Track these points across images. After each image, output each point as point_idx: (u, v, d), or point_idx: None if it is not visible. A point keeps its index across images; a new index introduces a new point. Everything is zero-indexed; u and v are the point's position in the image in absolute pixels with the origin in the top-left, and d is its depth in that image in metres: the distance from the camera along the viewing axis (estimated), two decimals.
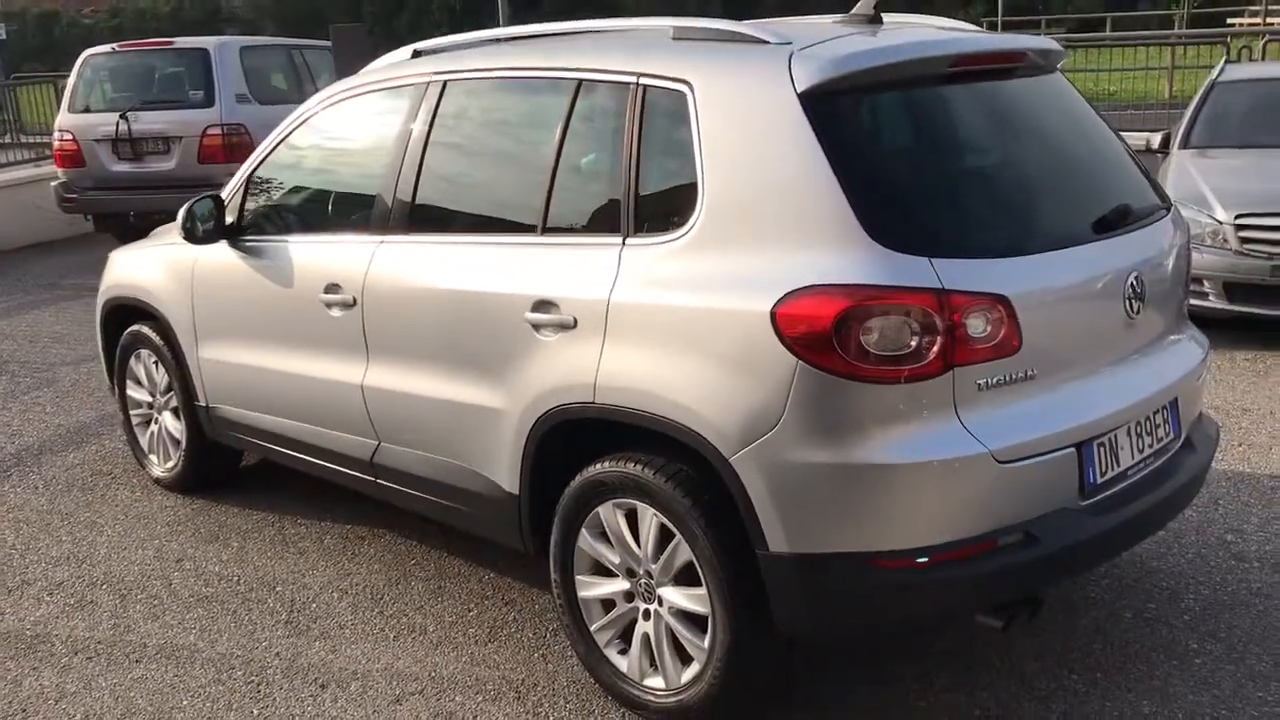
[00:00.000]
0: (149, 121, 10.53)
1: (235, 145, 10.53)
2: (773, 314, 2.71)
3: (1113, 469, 2.99)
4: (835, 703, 3.26)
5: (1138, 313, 3.09)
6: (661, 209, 3.07)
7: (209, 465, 4.93)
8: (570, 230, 3.31)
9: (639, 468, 3.04)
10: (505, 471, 3.42)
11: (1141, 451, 3.10)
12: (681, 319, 2.92)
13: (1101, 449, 2.95)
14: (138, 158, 10.63)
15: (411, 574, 4.16)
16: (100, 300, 5.20)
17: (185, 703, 3.40)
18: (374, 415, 3.86)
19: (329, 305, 3.90)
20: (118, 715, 3.35)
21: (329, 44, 13.01)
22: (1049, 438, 2.81)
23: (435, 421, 3.64)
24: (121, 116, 10.49)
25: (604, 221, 3.20)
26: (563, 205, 3.33)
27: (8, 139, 14.65)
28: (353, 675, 3.50)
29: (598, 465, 3.15)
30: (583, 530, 3.25)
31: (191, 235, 4.29)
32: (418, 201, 3.70)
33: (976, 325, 2.70)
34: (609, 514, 3.16)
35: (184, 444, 4.86)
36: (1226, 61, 9.32)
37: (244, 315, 4.34)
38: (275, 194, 4.36)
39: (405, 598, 3.98)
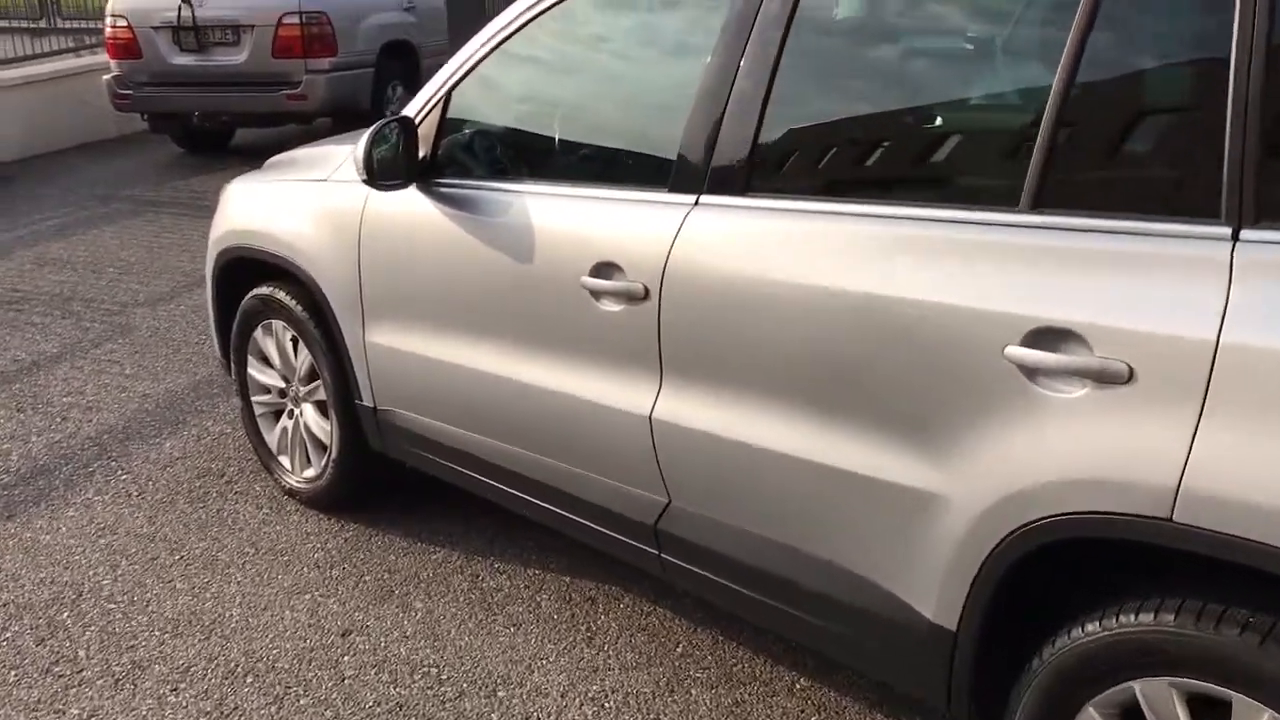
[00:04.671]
0: (216, 7, 9.09)
1: (315, 37, 9.14)
2: None
3: None
4: None
5: None
6: None
7: (366, 480, 3.66)
8: (1096, 206, 1.95)
9: (1244, 634, 1.74)
10: (930, 592, 2.13)
11: None
12: None
13: None
14: (202, 49, 9.22)
15: (688, 675, 2.90)
16: (213, 249, 3.86)
17: None
18: (665, 463, 2.56)
19: (597, 294, 2.58)
20: None
21: None
22: None
23: (790, 491, 2.34)
24: (184, 1, 9.07)
25: (1178, 196, 1.85)
26: (1078, 162, 1.98)
27: (44, 23, 13.18)
28: None
29: (1145, 615, 1.86)
30: (1089, 708, 1.97)
31: (373, 175, 2.96)
32: (761, 144, 2.36)
33: None
34: (1158, 695, 1.88)
35: (333, 451, 3.59)
36: None
37: (445, 292, 3.01)
38: (493, 122, 3.01)
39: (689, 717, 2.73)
